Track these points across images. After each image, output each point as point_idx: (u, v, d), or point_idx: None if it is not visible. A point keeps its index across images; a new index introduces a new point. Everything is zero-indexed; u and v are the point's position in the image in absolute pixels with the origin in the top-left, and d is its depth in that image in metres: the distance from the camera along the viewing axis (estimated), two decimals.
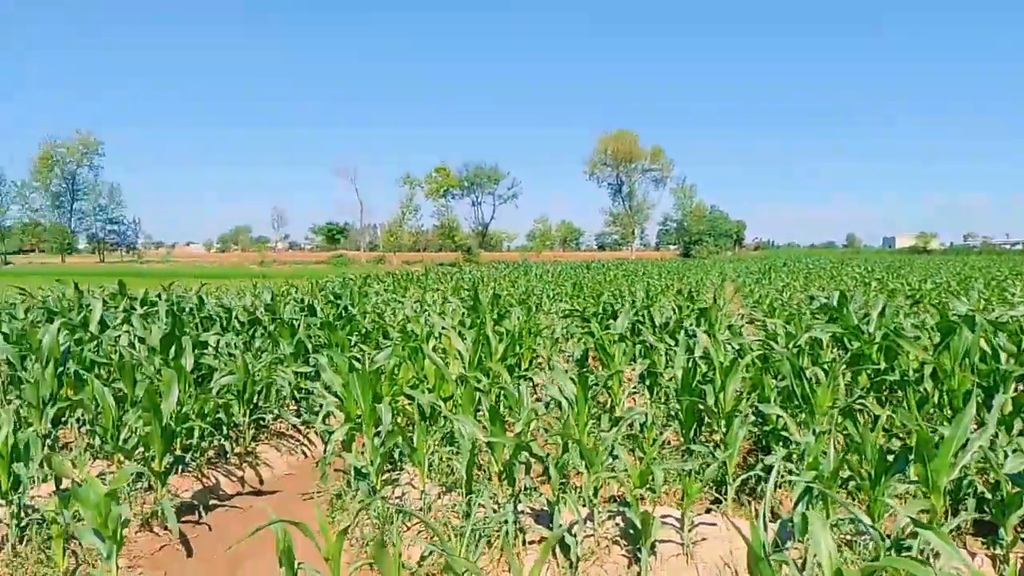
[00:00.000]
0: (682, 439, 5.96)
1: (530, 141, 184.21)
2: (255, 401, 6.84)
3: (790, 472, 5.01)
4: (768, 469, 5.23)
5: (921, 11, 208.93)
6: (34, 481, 4.91)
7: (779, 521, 4.00)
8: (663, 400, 6.91)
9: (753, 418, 5.55)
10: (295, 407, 7.64)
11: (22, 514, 4.54)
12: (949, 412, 5.69)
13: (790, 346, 6.53)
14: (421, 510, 4.78)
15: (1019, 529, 4.07)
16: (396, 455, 5.75)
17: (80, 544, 4.43)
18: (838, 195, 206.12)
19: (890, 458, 4.00)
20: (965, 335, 5.87)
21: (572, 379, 5.48)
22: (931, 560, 3.85)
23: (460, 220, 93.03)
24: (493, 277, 28.13)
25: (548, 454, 4.53)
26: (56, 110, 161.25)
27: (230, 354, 7.48)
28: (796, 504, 3.87)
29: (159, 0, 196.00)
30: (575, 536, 4.19)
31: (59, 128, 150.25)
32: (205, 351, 7.13)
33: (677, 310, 10.92)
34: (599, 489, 4.77)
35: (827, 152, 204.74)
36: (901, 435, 5.56)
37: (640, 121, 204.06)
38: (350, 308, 10.05)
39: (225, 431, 6.46)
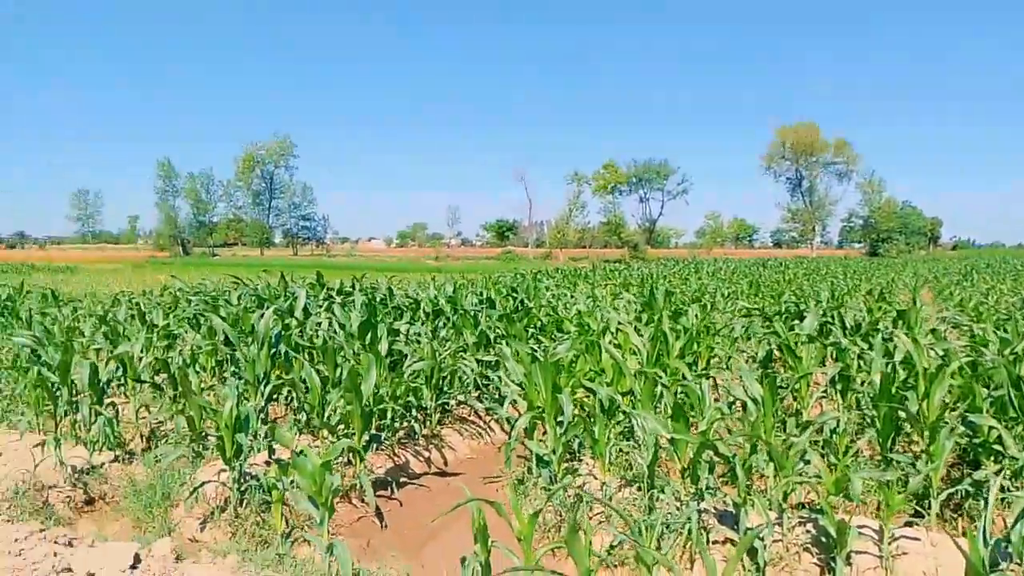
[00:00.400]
0: (876, 448, 5.62)
1: (702, 134, 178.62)
2: (441, 387, 7.21)
3: (1003, 489, 4.60)
4: (977, 484, 4.82)
5: None
6: (252, 450, 5.46)
7: (994, 540, 3.68)
8: (856, 406, 6.54)
9: (961, 429, 5.12)
10: (477, 394, 7.96)
11: (242, 480, 5.10)
12: None
13: (1005, 353, 5.94)
14: (599, 502, 4.85)
15: None
16: (575, 446, 5.86)
17: (291, 510, 4.90)
18: None
19: None
20: None
21: (759, 379, 5.32)
22: None
23: (627, 216, 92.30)
24: (662, 274, 27.68)
25: (734, 454, 4.44)
26: (257, 113, 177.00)
27: (418, 341, 7.93)
28: (1015, 524, 3.55)
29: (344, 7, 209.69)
30: (763, 540, 4.08)
31: (261, 131, 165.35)
32: (396, 338, 7.59)
33: (869, 311, 10.26)
34: (788, 494, 4.61)
35: None
36: None
37: (822, 112, 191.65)
38: (526, 301, 10.32)
39: (414, 414, 6.86)
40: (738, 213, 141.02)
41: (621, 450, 5.60)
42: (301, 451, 4.34)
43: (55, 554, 3.97)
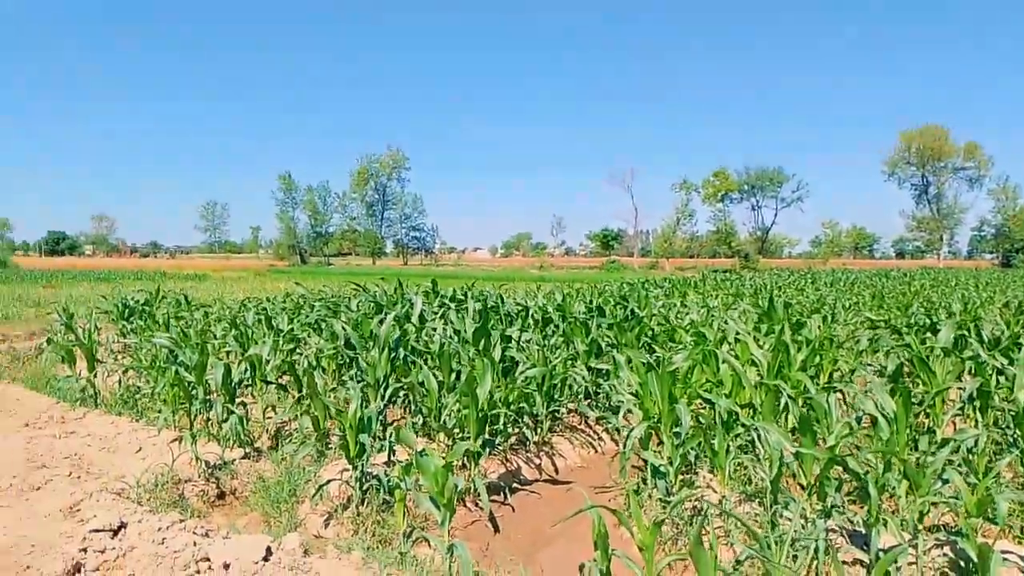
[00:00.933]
0: (1018, 469, 5.23)
1: (819, 139, 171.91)
2: (552, 394, 7.21)
3: None
4: None
5: None
6: (373, 451, 5.61)
7: None
8: (995, 424, 6.09)
9: None
10: (587, 402, 7.92)
11: (364, 479, 5.26)
12: None
13: None
14: (722, 515, 4.71)
15: None
16: (691, 458, 5.73)
17: (410, 510, 5.02)
18: None
19: None
20: None
21: (891, 393, 5.05)
22: None
23: (737, 225, 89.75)
24: (776, 284, 26.71)
25: (866, 471, 4.22)
26: (370, 127, 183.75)
27: (529, 349, 7.97)
28: None
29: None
30: (896, 563, 3.86)
31: (374, 144, 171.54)
32: (509, 345, 7.66)
33: (1007, 325, 9.53)
34: (924, 514, 4.34)
35: None
36: None
37: (950, 114, 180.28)
38: (637, 310, 10.20)
39: (526, 420, 6.90)
40: (857, 221, 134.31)
41: (740, 464, 5.42)
42: (423, 451, 4.44)
43: (194, 544, 4.22)
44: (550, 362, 7.29)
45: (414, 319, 8.74)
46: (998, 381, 6.60)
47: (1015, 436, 5.45)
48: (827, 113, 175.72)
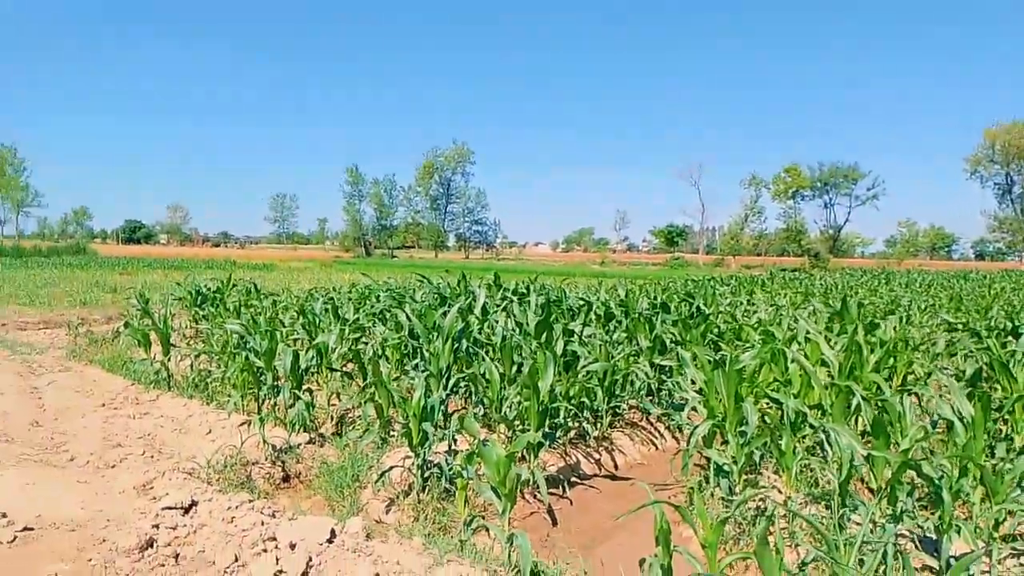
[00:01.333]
0: None
1: (897, 135, 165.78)
2: (613, 390, 7.18)
3: None
4: None
5: None
6: (435, 439, 5.68)
7: None
8: None
9: None
10: (648, 400, 7.85)
11: (425, 467, 5.33)
12: None
13: None
14: (784, 516, 4.61)
15: None
16: (756, 458, 5.63)
17: (469, 499, 5.06)
18: None
19: None
20: None
21: (969, 397, 4.85)
22: None
23: (808, 223, 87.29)
24: (848, 284, 25.93)
25: (940, 476, 4.07)
26: (436, 122, 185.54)
27: (591, 343, 7.94)
28: None
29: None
30: (969, 571, 3.71)
31: (439, 138, 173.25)
32: (571, 339, 7.65)
33: None
34: (1000, 522, 4.17)
35: None
36: None
37: None
38: (703, 307, 10.04)
39: (586, 415, 6.88)
40: (935, 221, 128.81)
41: (806, 465, 5.30)
42: (486, 441, 4.48)
43: (262, 523, 4.36)
44: (612, 357, 7.26)
45: (477, 311, 8.81)
46: None
47: None
48: (905, 109, 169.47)
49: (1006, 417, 6.06)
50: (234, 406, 7.08)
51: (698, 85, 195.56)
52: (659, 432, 7.64)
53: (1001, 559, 4.02)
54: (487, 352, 7.58)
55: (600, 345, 7.65)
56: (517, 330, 8.05)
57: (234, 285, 15.18)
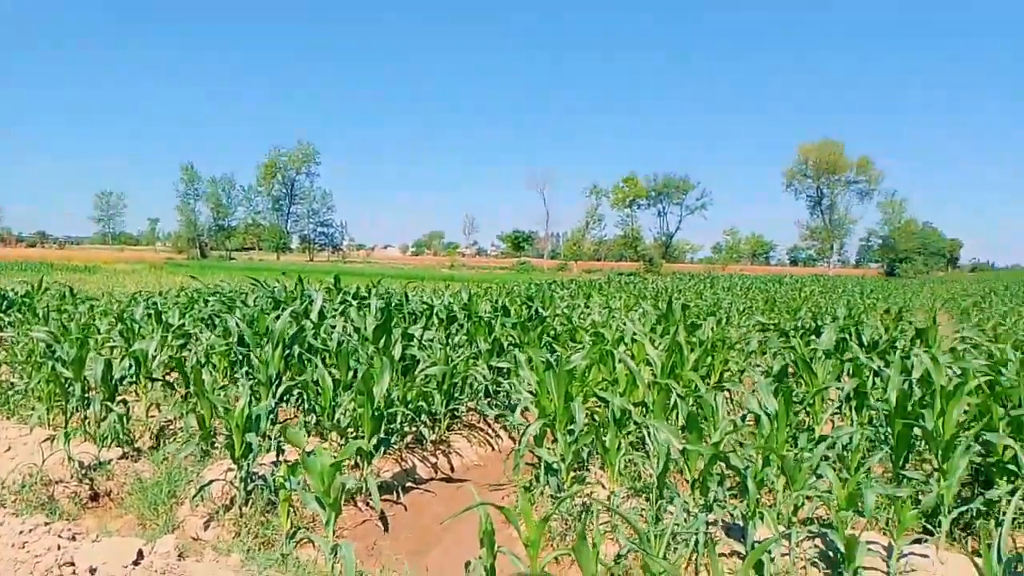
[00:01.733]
0: (887, 465, 5.55)
1: (721, 150, 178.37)
2: (452, 393, 7.19)
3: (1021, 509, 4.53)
4: (989, 503, 4.75)
5: None
6: (260, 450, 5.44)
7: (1005, 559, 3.61)
8: (870, 422, 6.46)
9: (976, 447, 5.04)
10: (487, 401, 7.93)
11: (249, 479, 5.08)
12: None
13: (1021, 373, 5.86)
14: (608, 511, 4.80)
15: None
16: (584, 455, 5.82)
17: (296, 511, 4.88)
18: None
19: None
20: None
21: (774, 393, 5.27)
22: None
23: (644, 230, 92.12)
24: (677, 288, 27.56)
25: (746, 467, 4.38)
26: (278, 120, 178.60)
27: (431, 347, 7.91)
28: None
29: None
30: (770, 554, 4.02)
31: (282, 137, 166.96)
32: (410, 343, 7.59)
33: (886, 330, 10.15)
34: (799, 508, 4.55)
35: None
36: None
37: (845, 130, 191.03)
38: (541, 310, 10.29)
39: (424, 419, 6.84)
40: (756, 229, 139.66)
41: (631, 461, 5.54)
42: (312, 451, 4.33)
43: (58, 547, 3.98)
44: (452, 360, 7.27)
45: (313, 316, 8.53)
46: (874, 382, 6.98)
47: (886, 434, 5.78)
48: (732, 124, 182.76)
49: (808, 410, 6.65)
50: (38, 420, 6.42)
51: (547, 94, 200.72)
52: (497, 433, 7.74)
53: (799, 541, 4.38)
54: (323, 358, 7.36)
55: (440, 348, 7.64)
56: (355, 335, 7.87)
57: (46, 289, 13.83)
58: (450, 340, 8.46)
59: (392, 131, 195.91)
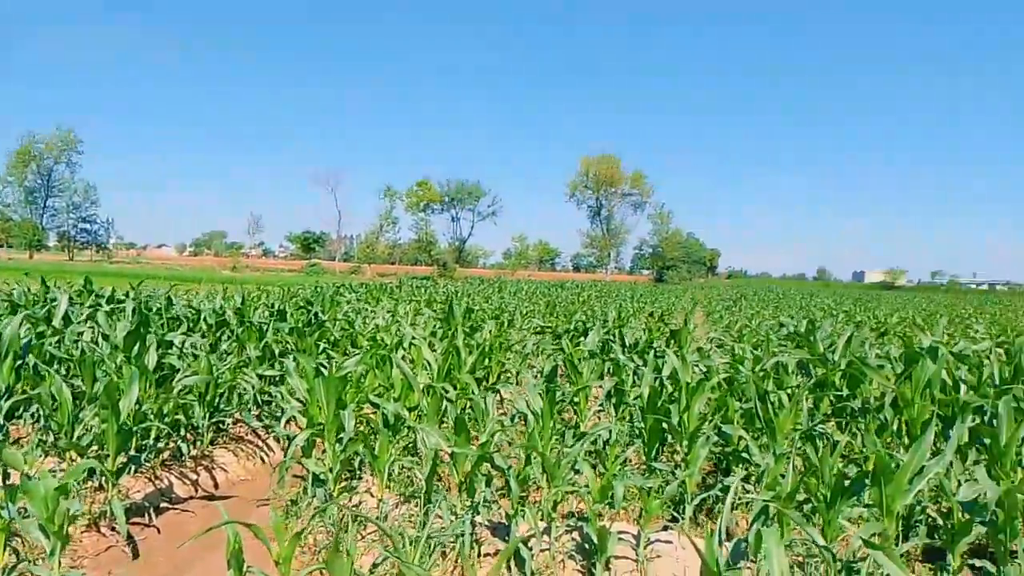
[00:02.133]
0: (644, 457, 5.98)
1: (512, 160, 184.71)
2: (216, 404, 6.75)
3: (749, 493, 5.05)
4: (727, 489, 5.27)
5: (895, 62, 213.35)
6: None
7: (734, 540, 4.01)
8: (628, 418, 6.93)
9: (716, 438, 5.57)
10: (257, 412, 7.54)
11: None
12: (907, 440, 5.77)
13: (755, 370, 6.59)
14: (378, 518, 4.73)
15: (966, 556, 4.13)
16: (356, 463, 5.70)
17: (23, 540, 4.32)
18: (811, 228, 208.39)
19: (847, 482, 4.04)
20: (928, 366, 5.96)
21: (540, 393, 5.47)
22: None
23: (438, 235, 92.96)
24: (467, 292, 28.09)
25: (510, 466, 4.51)
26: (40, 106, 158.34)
27: (195, 355, 7.37)
28: (752, 523, 3.89)
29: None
30: (531, 549, 4.17)
31: (41, 122, 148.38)
32: (169, 351, 7.02)
33: (648, 331, 11.00)
34: (559, 503, 4.75)
35: (803, 186, 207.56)
36: (858, 461, 5.62)
37: (624, 146, 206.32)
38: (320, 315, 9.98)
39: (183, 433, 6.35)
40: (543, 237, 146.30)
41: (404, 467, 5.51)
42: (35, 474, 3.83)
43: None
44: (217, 369, 6.81)
45: (56, 321, 7.62)
46: (633, 380, 7.52)
47: (640, 428, 6.23)
48: (522, 135, 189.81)
49: (575, 408, 7.02)
50: None
51: (339, 90, 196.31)
52: (268, 445, 7.37)
53: (559, 536, 4.58)
54: (67, 369, 6.59)
55: (204, 356, 7.13)
56: (104, 343, 7.13)
57: None
58: (218, 347, 7.94)
59: (165, 122, 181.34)
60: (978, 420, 5.79)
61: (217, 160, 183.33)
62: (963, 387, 6.25)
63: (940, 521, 4.55)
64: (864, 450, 5.51)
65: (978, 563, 4.10)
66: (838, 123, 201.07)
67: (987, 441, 5.00)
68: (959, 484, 4.40)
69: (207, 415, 6.51)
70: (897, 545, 4.13)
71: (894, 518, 3.99)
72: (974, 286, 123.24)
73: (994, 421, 5.14)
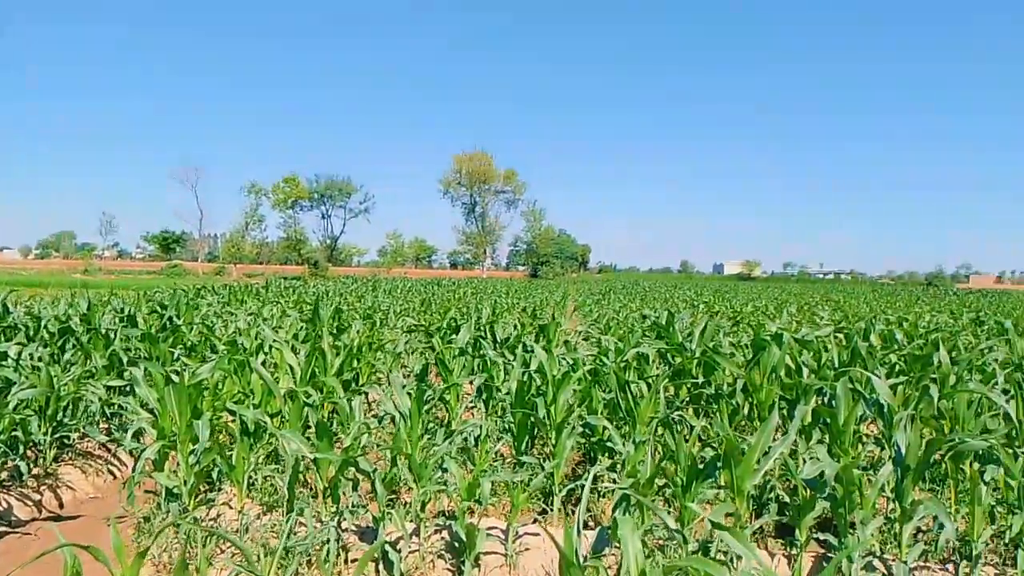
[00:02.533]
0: (515, 451, 6.04)
1: (386, 157, 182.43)
2: (59, 418, 6.25)
3: (614, 481, 5.20)
4: (592, 479, 5.41)
5: (778, 62, 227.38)
6: None
7: (598, 529, 4.12)
8: (499, 413, 6.98)
9: (581, 429, 5.71)
10: (106, 425, 7.05)
11: None
12: (758, 423, 6.13)
13: (617, 361, 6.79)
14: (238, 531, 4.52)
15: (813, 530, 4.42)
16: (215, 475, 5.44)
17: None
18: (675, 224, 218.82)
19: (701, 466, 4.23)
20: (773, 352, 6.36)
21: (408, 393, 5.41)
22: (734, 561, 4.11)
23: (308, 233, 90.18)
24: (339, 291, 27.45)
25: (375, 469, 4.43)
26: None
27: (34, 367, 6.79)
28: (614, 511, 4.01)
29: None
30: (399, 551, 4.11)
31: None
32: (4, 363, 6.44)
33: (520, 326, 11.11)
34: (427, 503, 4.72)
35: (667, 183, 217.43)
36: (714, 445, 5.91)
37: (497, 144, 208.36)
38: (175, 319, 9.43)
39: (22, 450, 5.84)
40: (419, 234, 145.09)
41: (266, 475, 5.30)
42: None
43: None
44: (59, 380, 6.30)
45: None
46: (504, 376, 7.57)
47: (509, 423, 6.28)
48: (396, 134, 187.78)
49: (445, 406, 6.98)
50: None
51: (201, 85, 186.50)
52: (120, 460, 6.91)
53: (428, 536, 4.55)
54: None
55: (44, 367, 6.57)
56: None
57: None
58: (59, 358, 7.34)
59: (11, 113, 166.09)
60: (819, 402, 6.24)
61: (64, 156, 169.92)
62: (806, 371, 6.69)
63: (788, 499, 4.86)
64: (719, 434, 5.81)
65: (823, 536, 4.40)
66: (697, 122, 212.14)
67: (827, 421, 5.38)
68: (804, 463, 4.71)
69: (49, 430, 6.03)
70: (750, 523, 4.38)
71: (745, 498, 4.22)
72: (821, 276, 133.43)
73: (833, 402, 5.54)
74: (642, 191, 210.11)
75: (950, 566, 4.23)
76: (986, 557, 4.30)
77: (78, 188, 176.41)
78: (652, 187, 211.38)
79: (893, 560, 4.10)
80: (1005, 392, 5.87)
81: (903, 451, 4.20)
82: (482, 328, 9.70)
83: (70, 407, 6.48)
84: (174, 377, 5.33)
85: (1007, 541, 4.37)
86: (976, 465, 4.71)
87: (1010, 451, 4.44)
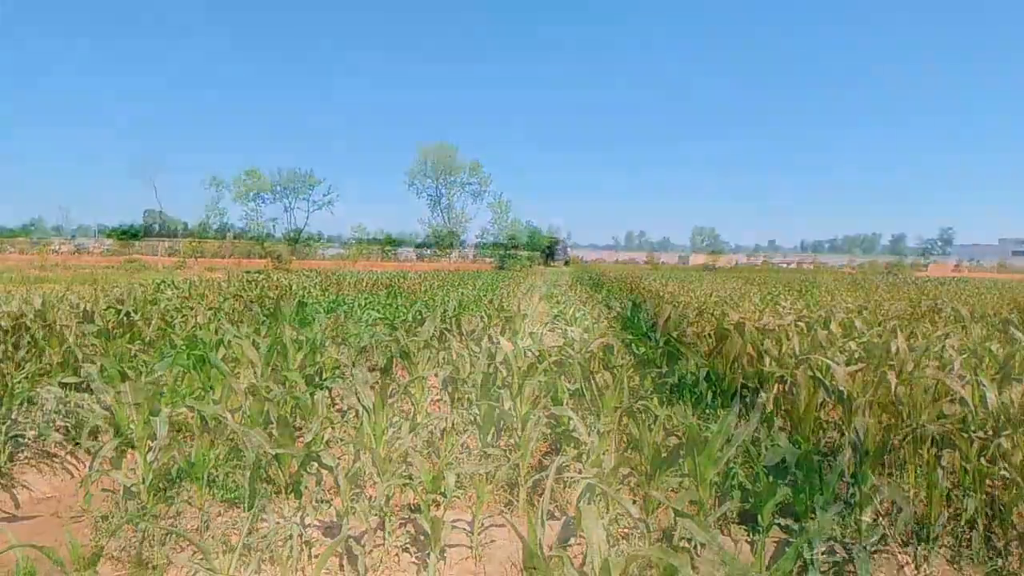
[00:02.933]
0: (481, 443, 6.02)
1: (351, 149, 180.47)
2: (13, 417, 6.08)
3: (580, 471, 5.21)
4: (556, 469, 5.42)
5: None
6: None
7: (564, 519, 4.14)
8: (465, 405, 6.96)
9: (547, 420, 5.71)
10: (62, 423, 6.87)
11: None
12: (721, 411, 6.20)
13: (583, 351, 6.81)
14: (198, 529, 4.44)
15: (775, 515, 4.48)
16: (175, 472, 5.33)
17: None
18: (640, 215, 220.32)
19: (665, 454, 4.26)
20: (735, 340, 6.43)
21: (371, 386, 5.36)
22: (697, 548, 4.14)
23: (271, 225, 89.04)
24: (303, 285, 27.12)
25: (338, 463, 4.38)
26: None
27: None
28: (579, 501, 4.02)
29: None
30: (363, 546, 4.07)
31: None
32: None
33: (486, 318, 11.09)
34: (391, 497, 4.69)
35: (631, 175, 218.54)
36: (679, 433, 5.96)
37: (462, 136, 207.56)
38: (133, 314, 9.22)
39: None
40: (385, 227, 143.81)
41: (227, 473, 5.21)
42: None
43: None
44: (12, 378, 6.13)
45: None
46: (470, 368, 7.54)
47: (475, 415, 6.27)
48: (361, 126, 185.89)
49: (410, 399, 6.93)
50: None
51: (164, 72, 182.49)
52: (77, 459, 6.73)
53: (393, 529, 4.51)
54: None
55: None
56: None
57: None
58: (12, 355, 7.14)
59: None
60: (781, 389, 6.33)
61: (24, 143, 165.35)
62: (767, 359, 6.78)
63: (751, 486, 4.92)
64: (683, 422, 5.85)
65: (784, 522, 4.46)
66: (665, 117, 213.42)
67: (788, 408, 5.47)
68: (765, 450, 4.77)
69: (2, 429, 5.85)
70: (713, 510, 4.43)
71: (708, 485, 4.26)
72: (784, 264, 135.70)
73: (794, 389, 5.62)
74: (609, 184, 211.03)
75: (909, 548, 4.32)
76: (943, 539, 4.39)
77: (34, 180, 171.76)
78: (618, 179, 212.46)
79: (853, 544, 4.18)
80: (961, 378, 6.00)
81: (862, 437, 4.28)
82: (448, 320, 9.65)
83: (24, 405, 6.31)
84: (130, 373, 5.21)
85: (963, 523, 4.48)
86: (933, 450, 4.82)
87: (965, 435, 4.55)
